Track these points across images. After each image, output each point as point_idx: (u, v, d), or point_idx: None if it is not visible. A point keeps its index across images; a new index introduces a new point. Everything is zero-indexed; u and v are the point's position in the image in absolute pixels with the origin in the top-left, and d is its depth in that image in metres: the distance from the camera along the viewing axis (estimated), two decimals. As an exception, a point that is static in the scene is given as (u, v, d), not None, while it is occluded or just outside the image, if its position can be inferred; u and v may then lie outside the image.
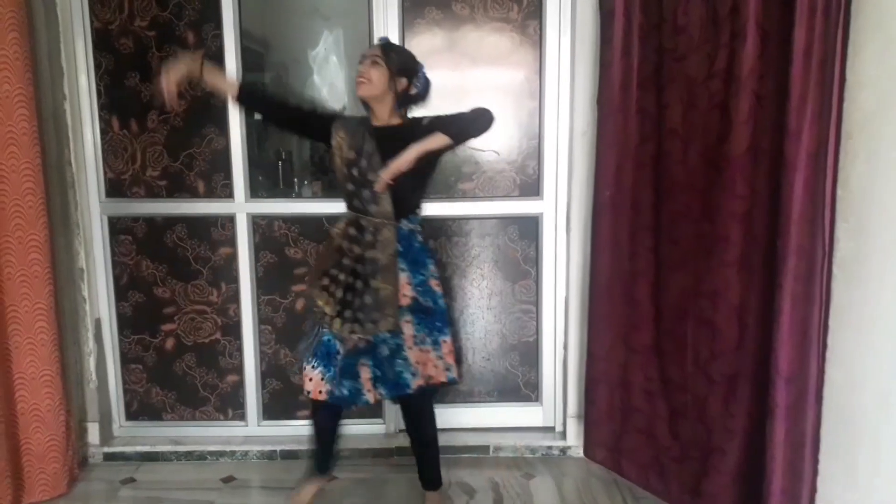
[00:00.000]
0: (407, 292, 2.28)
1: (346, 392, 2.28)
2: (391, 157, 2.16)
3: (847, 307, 1.99)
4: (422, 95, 2.31)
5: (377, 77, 2.20)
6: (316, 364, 2.28)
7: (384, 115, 2.28)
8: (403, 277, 2.27)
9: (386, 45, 2.29)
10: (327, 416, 2.40)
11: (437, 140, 2.17)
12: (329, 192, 3.15)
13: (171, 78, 2.22)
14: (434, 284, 2.34)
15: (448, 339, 2.36)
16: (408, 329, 2.28)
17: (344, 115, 2.40)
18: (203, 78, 2.29)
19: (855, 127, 1.91)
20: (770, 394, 2.09)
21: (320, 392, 2.27)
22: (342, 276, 2.26)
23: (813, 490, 2.09)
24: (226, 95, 2.42)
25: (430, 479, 2.54)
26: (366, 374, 2.30)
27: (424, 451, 2.51)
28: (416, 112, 2.34)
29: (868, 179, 1.90)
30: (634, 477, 2.71)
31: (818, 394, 2.05)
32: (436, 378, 2.35)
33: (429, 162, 2.22)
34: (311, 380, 2.29)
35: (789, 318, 2.03)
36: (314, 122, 2.36)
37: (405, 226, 2.28)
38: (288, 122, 2.46)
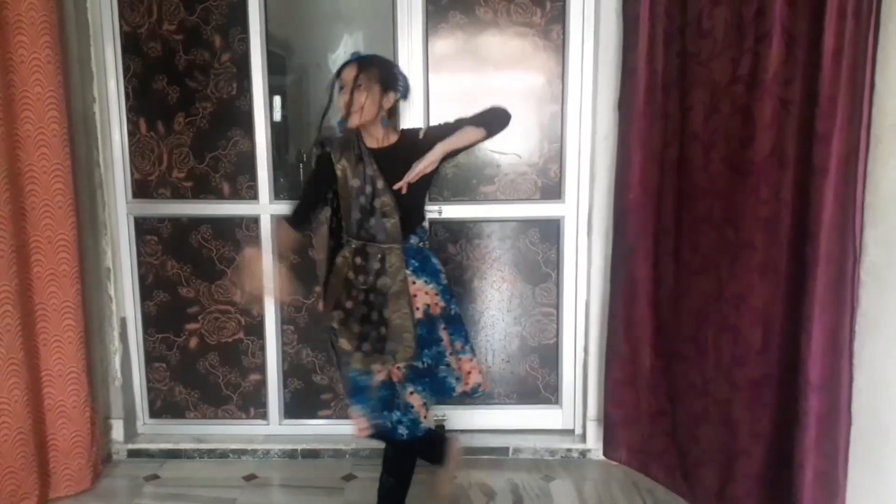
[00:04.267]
0: (437, 302, 2.22)
1: (389, 424, 2.17)
2: (395, 179, 2.10)
3: (876, 314, 1.98)
4: (405, 96, 2.21)
5: (368, 102, 2.08)
6: (354, 402, 2.21)
7: (379, 136, 2.17)
8: (430, 289, 2.21)
9: (362, 61, 2.11)
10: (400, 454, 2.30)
11: (469, 135, 2.11)
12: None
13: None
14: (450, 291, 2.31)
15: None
16: (445, 336, 2.22)
17: (334, 140, 2.22)
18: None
19: (885, 132, 1.90)
20: (798, 401, 2.08)
21: (363, 430, 2.19)
22: (356, 309, 2.18)
23: (844, 499, 2.07)
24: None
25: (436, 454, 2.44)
26: (417, 401, 2.17)
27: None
28: (406, 120, 2.28)
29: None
30: (662, 479, 2.71)
31: (850, 402, 2.03)
32: (484, 385, 2.30)
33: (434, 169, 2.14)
34: (356, 419, 2.21)
35: (819, 326, 2.02)
36: (325, 183, 2.24)
37: (414, 242, 2.22)
38: (321, 203, 2.31)
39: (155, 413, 3.14)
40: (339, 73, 2.14)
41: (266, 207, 2.95)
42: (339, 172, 2.17)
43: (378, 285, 2.16)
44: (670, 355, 2.64)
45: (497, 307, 3.04)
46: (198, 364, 3.09)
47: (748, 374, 2.30)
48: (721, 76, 2.30)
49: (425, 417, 2.19)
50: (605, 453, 2.89)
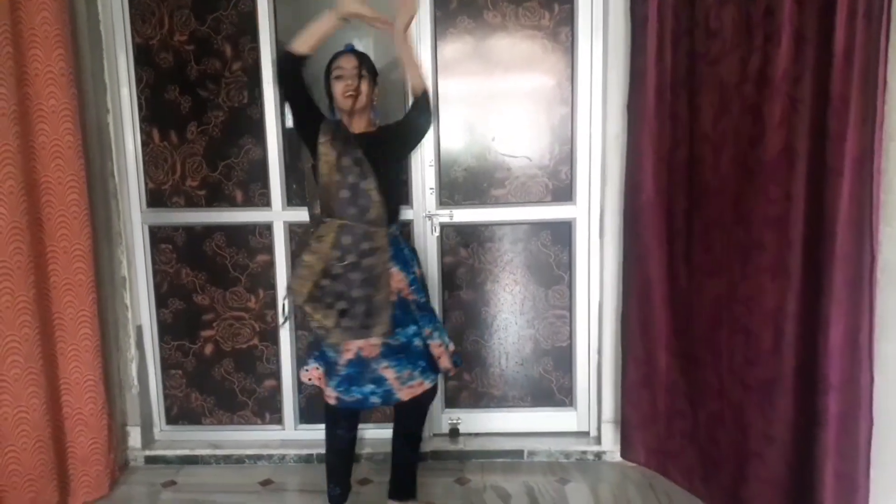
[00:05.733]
0: (406, 289, 2.33)
1: (357, 396, 2.31)
2: (377, 163, 2.23)
3: (892, 313, 1.97)
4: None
5: (365, 89, 2.26)
6: (313, 360, 2.40)
7: (362, 125, 2.34)
8: (401, 277, 2.32)
9: (359, 54, 2.32)
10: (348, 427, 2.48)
11: (418, 69, 2.32)
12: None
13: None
14: (421, 282, 2.42)
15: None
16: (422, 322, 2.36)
17: (328, 122, 2.27)
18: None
19: (898, 131, 1.89)
20: (816, 402, 2.07)
21: (311, 379, 2.40)
22: (333, 286, 2.22)
23: (867, 500, 2.05)
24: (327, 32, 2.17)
25: (410, 487, 2.59)
26: (391, 374, 2.30)
27: (409, 455, 2.56)
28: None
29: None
30: (681, 480, 2.71)
31: (871, 403, 2.01)
32: (451, 369, 2.44)
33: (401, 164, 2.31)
34: (325, 387, 2.37)
35: (836, 326, 2.01)
36: (312, 113, 2.25)
37: (393, 231, 2.32)
38: (305, 101, 2.26)
39: (171, 420, 3.17)
40: (332, 62, 2.31)
41: (279, 214, 2.97)
42: (321, 149, 2.20)
43: (363, 264, 2.22)
44: (686, 356, 2.63)
45: (510, 310, 3.05)
46: (213, 371, 3.12)
47: (761, 374, 2.28)
48: (730, 76, 2.30)
49: (399, 390, 2.31)
50: (622, 455, 2.88)
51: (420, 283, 2.40)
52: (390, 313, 2.25)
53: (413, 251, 2.48)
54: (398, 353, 2.30)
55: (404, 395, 2.32)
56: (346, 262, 2.20)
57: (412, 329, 2.32)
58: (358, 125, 2.32)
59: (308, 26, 2.16)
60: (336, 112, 2.35)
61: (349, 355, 2.28)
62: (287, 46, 2.16)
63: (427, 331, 2.35)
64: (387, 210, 2.25)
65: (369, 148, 2.25)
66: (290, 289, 2.27)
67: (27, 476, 2.51)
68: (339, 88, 2.27)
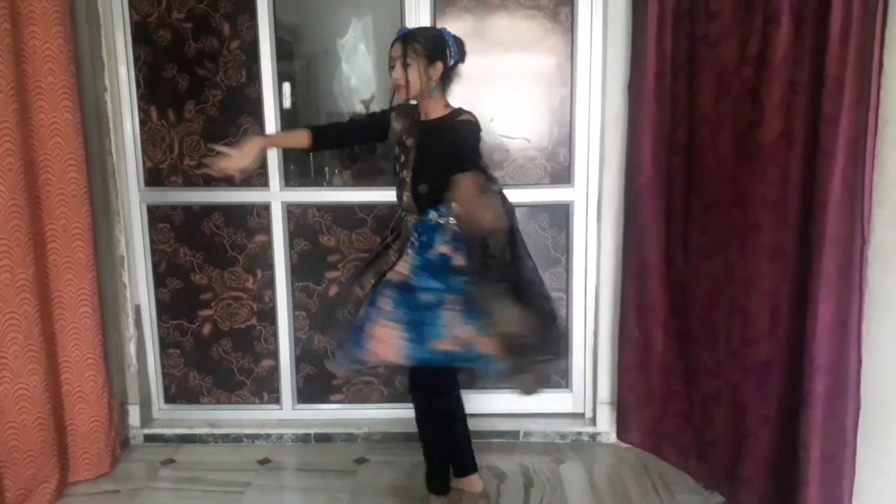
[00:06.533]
0: (405, 272, 2.21)
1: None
2: (426, 154, 2.18)
3: (883, 296, 1.98)
4: (460, 60, 2.24)
5: (413, 77, 2.14)
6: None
7: (429, 110, 2.23)
8: (410, 259, 2.21)
9: (406, 38, 2.16)
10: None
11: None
12: (359, 180, 3.20)
13: (233, 166, 2.18)
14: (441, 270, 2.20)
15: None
16: (386, 305, 2.19)
17: (402, 106, 2.30)
18: (266, 154, 2.30)
19: (894, 113, 1.89)
20: (804, 383, 2.09)
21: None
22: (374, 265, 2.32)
23: (853, 481, 2.08)
24: (300, 149, 2.35)
25: (472, 461, 2.53)
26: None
27: (462, 434, 2.51)
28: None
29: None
30: (675, 460, 2.73)
31: (858, 385, 2.03)
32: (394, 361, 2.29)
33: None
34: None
35: (825, 307, 2.02)
36: (374, 129, 2.36)
37: (433, 217, 2.20)
38: (351, 141, 2.60)
39: (170, 399, 3.19)
40: (390, 50, 2.21)
41: (277, 194, 2.97)
42: (392, 131, 2.28)
43: (387, 241, 2.32)
44: (682, 337, 2.65)
45: (507, 292, 3.05)
46: (211, 350, 3.13)
47: (757, 355, 2.31)
48: (729, 58, 2.30)
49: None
50: (618, 436, 2.91)
51: (427, 270, 2.19)
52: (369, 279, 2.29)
53: (457, 270, 2.22)
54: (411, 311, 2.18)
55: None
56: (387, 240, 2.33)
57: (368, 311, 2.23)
58: (425, 112, 2.24)
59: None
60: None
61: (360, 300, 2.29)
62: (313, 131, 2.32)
63: (388, 309, 2.19)
64: (429, 198, 2.18)
65: (424, 136, 2.21)
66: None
67: (28, 453, 2.53)
68: (391, 79, 2.21)
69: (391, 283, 2.23)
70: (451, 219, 2.19)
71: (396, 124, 2.29)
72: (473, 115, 2.22)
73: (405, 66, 2.15)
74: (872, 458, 2.05)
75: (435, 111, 2.23)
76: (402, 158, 2.25)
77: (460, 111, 2.24)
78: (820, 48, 1.99)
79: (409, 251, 2.24)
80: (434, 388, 2.36)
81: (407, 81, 2.15)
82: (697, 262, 2.53)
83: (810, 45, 2.04)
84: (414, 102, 2.27)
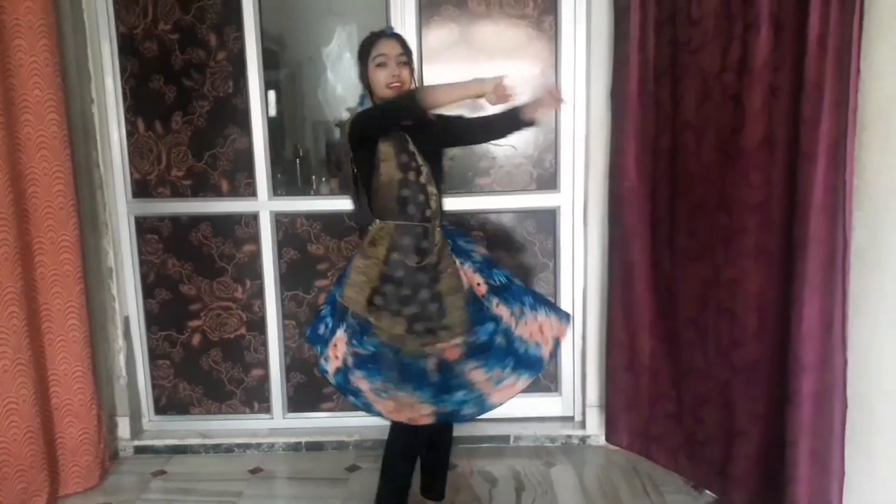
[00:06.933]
0: (477, 280, 2.15)
1: (448, 408, 2.07)
2: (424, 153, 2.09)
3: (863, 295, 2.01)
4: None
5: (407, 77, 2.09)
6: (413, 390, 2.04)
7: None
8: (466, 269, 2.15)
9: (401, 39, 2.14)
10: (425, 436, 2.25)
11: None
12: (347, 188, 3.21)
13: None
14: (487, 263, 2.20)
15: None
16: (503, 312, 2.13)
17: None
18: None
19: (871, 117, 1.94)
20: (789, 382, 2.12)
21: (425, 416, 2.06)
22: (402, 291, 2.06)
23: (842, 480, 2.11)
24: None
25: (442, 488, 2.48)
26: (480, 377, 2.08)
27: (444, 458, 2.46)
28: None
29: (881, 169, 1.94)
30: (664, 461, 2.75)
31: (845, 384, 2.06)
32: (561, 334, 2.20)
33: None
34: (411, 407, 2.06)
35: (809, 308, 2.05)
36: (381, 129, 2.12)
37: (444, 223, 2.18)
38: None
39: (160, 410, 3.18)
40: (371, 46, 2.10)
41: (265, 204, 2.98)
42: (382, 147, 2.05)
43: (427, 263, 2.07)
44: (670, 339, 2.67)
45: (496, 297, 3.07)
46: (201, 360, 3.13)
47: (744, 356, 2.33)
48: (711, 65, 2.33)
49: (491, 395, 2.10)
50: (607, 439, 2.93)
51: (487, 266, 2.19)
52: (465, 309, 2.09)
53: (468, 237, 2.33)
54: (483, 352, 2.09)
55: (497, 398, 2.11)
56: (411, 265, 2.06)
57: (490, 326, 2.11)
58: None
59: (448, 84, 2.05)
60: (373, 99, 2.15)
61: (436, 361, 2.05)
62: (420, 101, 1.97)
63: (517, 309, 2.13)
64: (439, 202, 2.12)
65: (414, 137, 2.10)
66: (346, 297, 2.08)
67: (18, 467, 2.52)
68: (381, 77, 2.07)
69: (483, 296, 2.13)
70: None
71: (384, 141, 2.10)
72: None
73: (405, 64, 2.09)
74: (859, 456, 2.08)
75: None
76: (414, 164, 2.08)
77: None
78: (799, 53, 2.02)
79: (458, 259, 2.15)
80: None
81: (404, 80, 2.08)
82: (684, 265, 2.55)
83: (790, 50, 2.08)
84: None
